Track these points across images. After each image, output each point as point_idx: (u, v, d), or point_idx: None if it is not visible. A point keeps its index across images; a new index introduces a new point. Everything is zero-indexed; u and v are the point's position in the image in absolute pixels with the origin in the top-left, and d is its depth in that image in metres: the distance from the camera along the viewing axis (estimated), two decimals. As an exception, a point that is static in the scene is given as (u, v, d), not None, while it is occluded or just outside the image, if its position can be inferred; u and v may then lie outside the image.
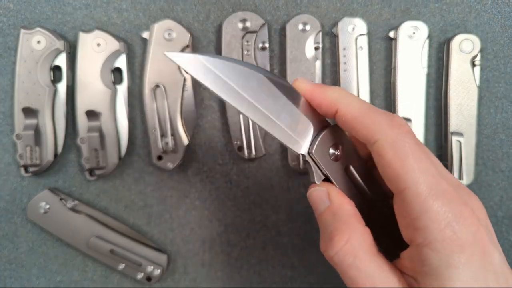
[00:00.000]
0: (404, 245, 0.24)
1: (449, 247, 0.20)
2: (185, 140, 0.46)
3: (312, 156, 0.26)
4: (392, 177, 0.22)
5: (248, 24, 0.46)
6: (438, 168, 0.24)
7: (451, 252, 0.20)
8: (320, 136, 0.26)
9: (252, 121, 0.26)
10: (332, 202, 0.25)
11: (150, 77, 0.45)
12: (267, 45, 0.47)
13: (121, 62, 0.46)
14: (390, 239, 0.26)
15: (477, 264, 0.20)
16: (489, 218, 0.46)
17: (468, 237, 0.21)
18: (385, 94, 0.49)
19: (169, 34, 0.45)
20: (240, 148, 0.47)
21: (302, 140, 0.26)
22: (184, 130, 0.46)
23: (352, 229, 0.24)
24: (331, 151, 0.26)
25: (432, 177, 0.22)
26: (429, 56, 0.49)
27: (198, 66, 0.24)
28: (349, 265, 0.23)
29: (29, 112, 0.44)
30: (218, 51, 0.48)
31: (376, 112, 0.24)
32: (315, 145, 0.26)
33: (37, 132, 0.45)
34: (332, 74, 0.49)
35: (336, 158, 0.26)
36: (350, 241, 0.23)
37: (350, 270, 0.23)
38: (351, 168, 0.27)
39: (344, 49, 0.47)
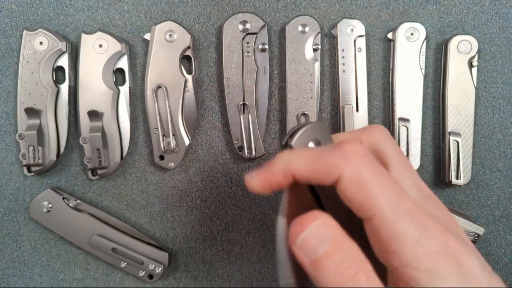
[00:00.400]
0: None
1: (425, 263, 0.21)
2: (186, 140, 0.47)
3: (293, 145, 0.25)
4: (358, 208, 0.22)
5: (248, 25, 0.46)
6: (400, 183, 0.24)
7: (429, 267, 0.21)
8: (303, 129, 0.25)
9: None
10: (335, 237, 0.21)
11: (151, 78, 0.46)
12: (267, 46, 0.47)
13: (123, 63, 0.47)
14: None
15: (455, 271, 0.21)
16: (487, 217, 0.47)
17: (438, 249, 0.21)
18: (383, 95, 0.49)
19: (170, 35, 0.46)
20: (241, 148, 0.47)
21: None
22: (185, 130, 0.47)
23: (361, 262, 0.21)
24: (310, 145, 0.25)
25: (394, 197, 0.22)
26: (427, 57, 0.49)
27: None
28: None
29: (31, 112, 0.45)
30: (218, 53, 0.48)
31: (326, 151, 0.23)
32: (296, 135, 0.25)
33: (40, 132, 0.45)
34: (331, 75, 0.49)
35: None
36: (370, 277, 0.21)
37: None
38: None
39: (343, 50, 0.47)
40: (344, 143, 0.23)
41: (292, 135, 0.25)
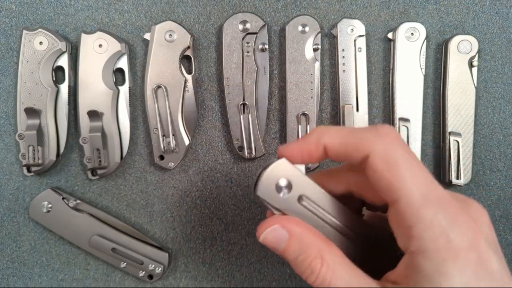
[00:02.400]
0: (391, 266, 0.24)
1: (442, 255, 0.20)
2: (186, 140, 0.46)
3: (258, 194, 0.25)
4: (385, 188, 0.22)
5: (248, 25, 0.46)
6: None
7: (444, 260, 0.20)
8: (264, 174, 0.25)
9: None
10: (291, 233, 0.24)
11: (151, 78, 0.46)
12: (267, 46, 0.47)
13: (123, 63, 0.47)
14: (377, 262, 0.26)
15: (471, 271, 0.20)
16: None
17: (463, 244, 0.20)
18: (383, 95, 0.49)
19: (170, 35, 0.46)
20: (241, 148, 0.47)
21: None
22: (185, 130, 0.47)
23: (321, 249, 0.24)
24: (279, 185, 0.25)
25: (425, 184, 0.22)
26: (427, 57, 0.49)
27: None
28: (331, 281, 0.23)
29: (31, 112, 0.45)
30: (218, 52, 0.48)
31: (360, 129, 0.24)
32: (259, 183, 0.25)
33: (40, 132, 0.45)
34: (331, 75, 0.49)
35: (285, 191, 0.25)
36: (324, 262, 0.23)
37: (334, 284, 0.23)
38: (305, 197, 0.26)
39: (343, 50, 0.47)
40: (377, 125, 0.24)
41: (255, 183, 0.26)
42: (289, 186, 0.25)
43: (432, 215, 0.21)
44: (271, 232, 0.25)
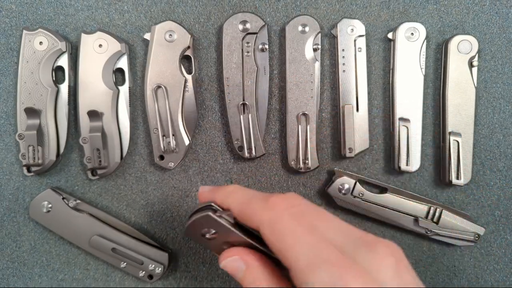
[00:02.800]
0: None
1: None
2: (186, 140, 0.46)
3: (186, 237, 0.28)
4: (279, 256, 0.24)
5: (248, 25, 0.46)
6: (324, 233, 0.24)
7: None
8: (188, 223, 0.28)
9: None
10: (248, 265, 0.27)
11: (151, 78, 0.46)
12: (267, 46, 0.47)
13: (123, 63, 0.47)
14: None
15: None
16: (487, 217, 0.46)
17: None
18: (383, 95, 0.49)
19: (170, 35, 0.46)
20: (241, 148, 0.47)
21: None
22: (185, 130, 0.47)
23: (270, 282, 0.26)
24: (205, 232, 0.28)
25: (311, 249, 0.22)
26: (427, 57, 0.49)
27: None
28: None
29: (31, 112, 0.45)
30: (218, 52, 0.48)
31: (256, 199, 0.26)
32: (186, 230, 0.29)
33: (40, 132, 0.45)
34: (331, 75, 0.49)
35: (210, 238, 0.29)
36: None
37: None
38: (227, 244, 0.29)
39: (343, 50, 0.47)
40: (273, 195, 0.26)
41: (186, 226, 0.29)
42: (215, 233, 0.28)
43: (318, 279, 0.21)
44: (231, 262, 0.27)
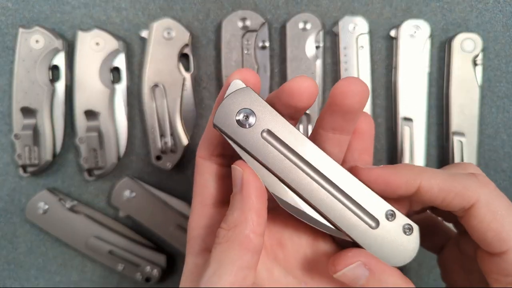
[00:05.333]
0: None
1: None
2: (184, 139, 0.46)
3: (215, 123, 0.23)
4: (492, 239, 0.22)
5: (248, 23, 0.46)
6: None
7: None
8: (224, 101, 0.23)
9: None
10: (372, 270, 0.23)
11: (149, 77, 0.45)
12: (267, 44, 0.46)
13: (120, 61, 0.46)
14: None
15: None
16: None
17: None
18: (386, 94, 0.49)
19: (168, 33, 0.45)
20: (240, 148, 0.46)
21: None
22: (183, 129, 0.46)
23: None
24: (238, 117, 0.23)
25: None
26: (431, 55, 0.48)
27: None
28: None
29: (27, 111, 0.44)
30: (218, 50, 0.48)
31: (460, 176, 0.23)
32: (216, 113, 0.23)
33: (36, 132, 0.44)
34: (333, 73, 0.48)
35: (246, 125, 0.23)
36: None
37: None
38: (271, 133, 0.23)
39: (345, 48, 0.46)
40: (473, 173, 0.23)
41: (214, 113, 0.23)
42: (252, 118, 0.23)
43: None
44: (353, 269, 0.22)
